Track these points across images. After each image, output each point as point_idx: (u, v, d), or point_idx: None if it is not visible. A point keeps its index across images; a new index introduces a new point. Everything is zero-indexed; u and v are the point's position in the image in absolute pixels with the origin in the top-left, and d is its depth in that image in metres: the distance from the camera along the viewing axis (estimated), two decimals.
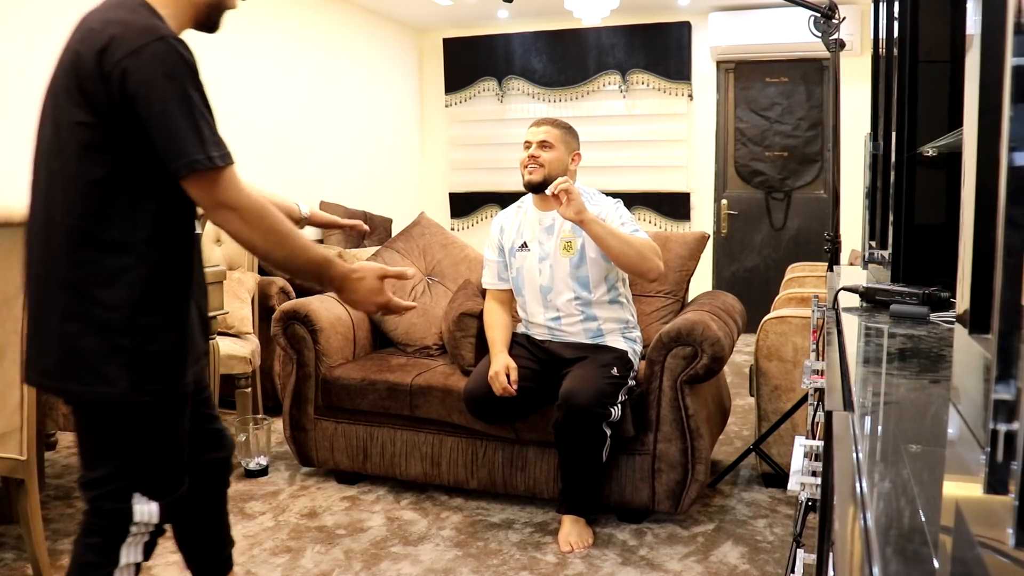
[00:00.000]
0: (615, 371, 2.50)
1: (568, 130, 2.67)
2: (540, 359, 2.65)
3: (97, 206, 1.38)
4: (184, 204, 1.44)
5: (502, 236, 2.75)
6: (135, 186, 1.39)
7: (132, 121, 1.34)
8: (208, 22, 1.54)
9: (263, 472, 3.07)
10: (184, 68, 1.35)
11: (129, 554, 1.48)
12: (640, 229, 2.59)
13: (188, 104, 1.33)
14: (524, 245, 2.68)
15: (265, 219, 1.40)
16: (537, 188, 2.61)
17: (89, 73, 1.33)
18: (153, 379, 1.43)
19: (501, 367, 2.52)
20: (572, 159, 2.65)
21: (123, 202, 1.39)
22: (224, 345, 3.13)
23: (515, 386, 2.50)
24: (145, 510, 1.47)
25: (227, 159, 1.38)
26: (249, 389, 3.30)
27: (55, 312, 1.41)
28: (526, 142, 2.64)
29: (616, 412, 2.45)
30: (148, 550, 1.52)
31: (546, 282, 2.63)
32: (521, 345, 2.69)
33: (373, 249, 4.12)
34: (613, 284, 2.64)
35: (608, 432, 2.45)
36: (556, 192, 2.38)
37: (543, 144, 2.60)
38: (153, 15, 1.38)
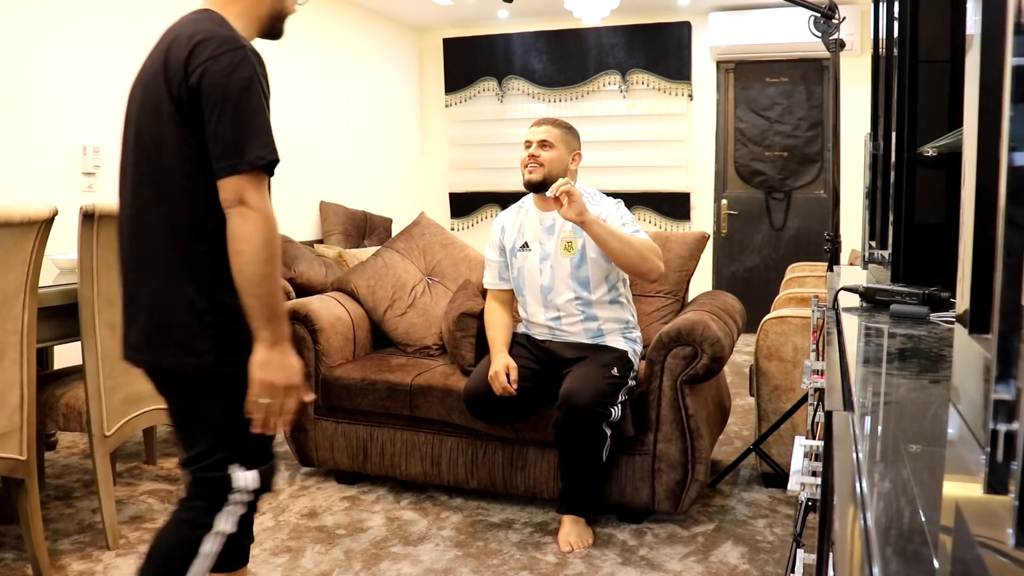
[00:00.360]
0: (615, 371, 2.50)
1: (569, 130, 2.68)
2: (540, 359, 2.65)
3: (187, 196, 1.50)
4: None
5: (503, 236, 2.76)
6: (208, 179, 1.49)
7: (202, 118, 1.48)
8: (272, 31, 1.67)
9: None
10: (255, 77, 1.47)
11: (223, 522, 1.57)
12: (641, 230, 2.59)
13: (256, 108, 1.46)
14: (525, 245, 2.68)
15: (271, 231, 1.48)
16: (537, 187, 2.62)
17: (176, 75, 1.47)
18: (236, 352, 1.53)
19: (501, 367, 2.52)
20: (572, 159, 2.66)
21: (203, 193, 1.50)
22: None
23: (515, 385, 2.50)
24: (243, 477, 1.57)
25: (272, 168, 1.49)
26: None
27: (147, 292, 1.54)
28: (526, 141, 2.65)
29: (616, 412, 2.45)
30: (243, 523, 1.61)
31: (547, 282, 2.63)
32: (521, 345, 2.69)
33: (373, 249, 4.12)
34: (614, 284, 2.64)
35: (608, 432, 2.45)
36: (557, 194, 2.38)
37: (543, 143, 2.61)
38: (232, 28, 1.53)
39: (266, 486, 1.61)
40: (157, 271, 1.53)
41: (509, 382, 2.50)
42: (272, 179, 1.56)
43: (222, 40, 1.47)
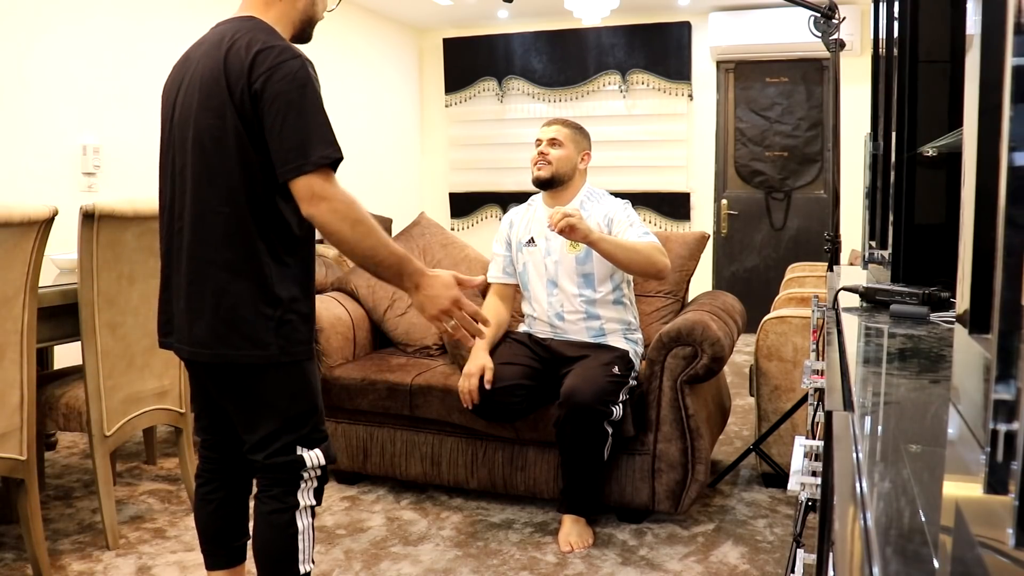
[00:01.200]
0: (616, 370, 2.50)
1: (579, 130, 2.73)
2: (541, 357, 2.65)
3: (246, 198, 1.59)
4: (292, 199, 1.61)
5: (511, 231, 2.79)
6: (265, 182, 1.60)
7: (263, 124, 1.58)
8: (303, 35, 1.78)
9: None
10: (312, 83, 1.58)
11: (304, 497, 1.71)
12: (650, 232, 2.61)
13: (316, 112, 1.57)
14: (531, 240, 2.71)
15: (354, 210, 1.56)
16: (545, 184, 2.68)
17: (238, 82, 1.56)
18: (293, 342, 1.66)
19: (476, 368, 2.51)
20: (582, 158, 2.71)
21: (261, 195, 1.60)
22: None
23: (487, 386, 2.49)
24: (310, 456, 1.71)
25: (336, 165, 1.57)
26: None
27: (212, 289, 1.62)
28: (537, 140, 2.71)
29: (617, 411, 2.45)
30: (318, 495, 1.75)
31: (552, 277, 2.66)
32: (522, 343, 2.69)
33: None
34: (618, 284, 2.66)
35: (610, 431, 2.45)
36: (559, 228, 2.36)
37: (552, 141, 2.67)
38: (281, 36, 1.64)
39: (330, 459, 1.75)
40: (220, 269, 1.61)
41: (483, 384, 2.50)
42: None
43: (281, 49, 1.57)
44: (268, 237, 1.61)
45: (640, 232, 2.57)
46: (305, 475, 1.70)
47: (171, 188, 1.69)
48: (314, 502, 1.73)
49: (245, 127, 1.57)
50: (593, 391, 2.39)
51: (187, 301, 1.65)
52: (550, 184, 2.66)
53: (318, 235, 1.70)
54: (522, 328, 2.80)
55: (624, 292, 2.68)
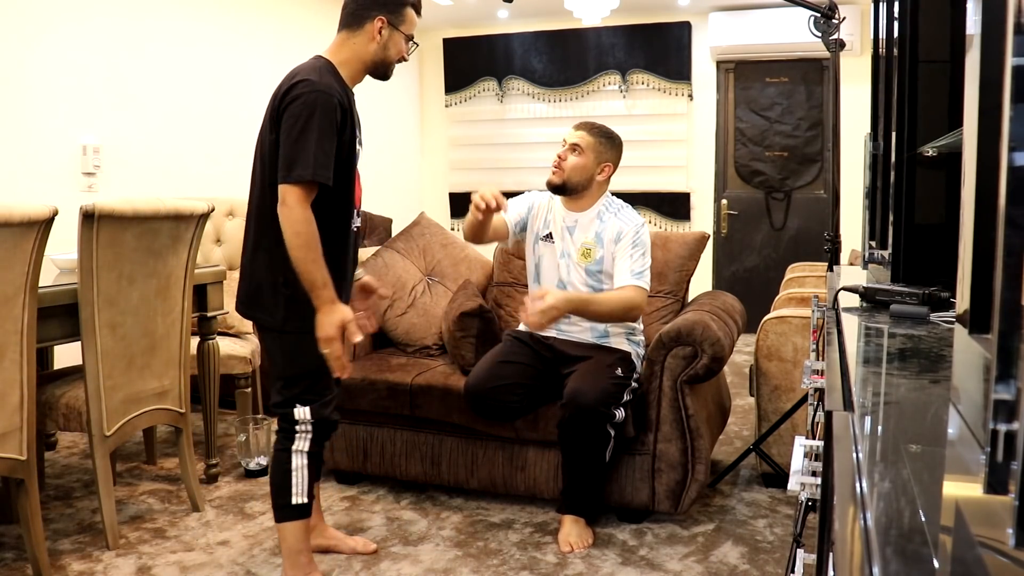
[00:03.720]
0: (619, 371, 2.50)
1: (605, 139, 2.64)
2: (543, 357, 2.65)
3: (272, 197, 1.98)
4: (323, 204, 1.99)
5: (529, 213, 2.72)
6: None
7: None
8: (377, 73, 2.15)
9: (263, 472, 3.07)
10: (322, 111, 1.93)
11: (299, 443, 2.11)
12: (647, 268, 2.57)
13: (308, 137, 1.91)
14: (549, 236, 2.69)
15: (300, 224, 1.92)
16: (556, 190, 2.66)
17: (277, 105, 1.99)
18: (299, 317, 2.01)
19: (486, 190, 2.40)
20: (601, 170, 2.63)
21: (276, 195, 1.97)
22: (224, 345, 3.13)
23: (494, 203, 2.37)
24: (299, 412, 2.09)
25: (315, 179, 1.92)
26: (249, 389, 3.30)
27: (251, 264, 2.08)
28: (563, 140, 2.67)
29: (620, 414, 2.45)
30: (316, 443, 2.12)
31: (564, 276, 2.66)
32: (524, 342, 2.69)
33: (373, 249, 4.12)
34: None
35: (612, 433, 2.45)
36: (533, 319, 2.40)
37: (573, 147, 2.62)
38: (332, 72, 2.04)
39: (319, 417, 2.10)
40: (258, 250, 2.06)
41: (482, 382, 2.53)
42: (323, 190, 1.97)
43: (309, 83, 1.95)
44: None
45: (634, 268, 2.54)
46: (297, 428, 2.09)
47: (250, 183, 2.12)
48: (309, 448, 2.10)
49: (277, 139, 1.97)
50: (596, 393, 2.39)
51: (241, 269, 2.12)
52: (561, 191, 2.64)
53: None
54: (523, 327, 2.80)
55: None
